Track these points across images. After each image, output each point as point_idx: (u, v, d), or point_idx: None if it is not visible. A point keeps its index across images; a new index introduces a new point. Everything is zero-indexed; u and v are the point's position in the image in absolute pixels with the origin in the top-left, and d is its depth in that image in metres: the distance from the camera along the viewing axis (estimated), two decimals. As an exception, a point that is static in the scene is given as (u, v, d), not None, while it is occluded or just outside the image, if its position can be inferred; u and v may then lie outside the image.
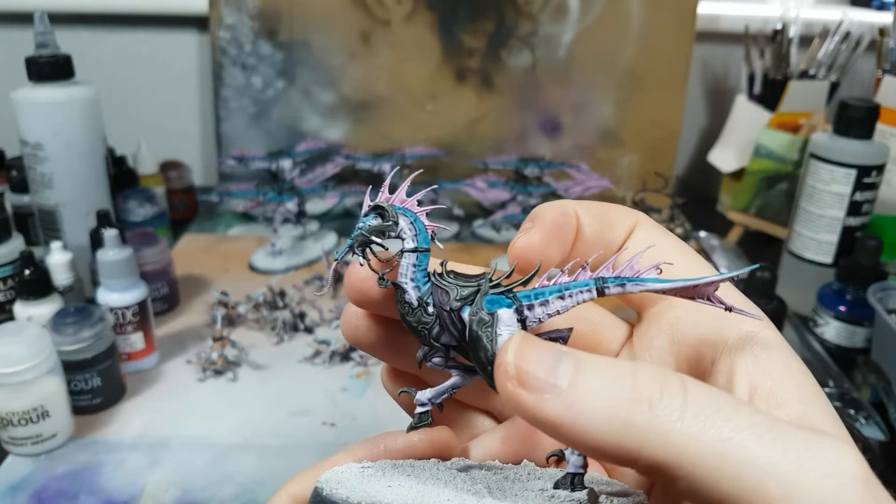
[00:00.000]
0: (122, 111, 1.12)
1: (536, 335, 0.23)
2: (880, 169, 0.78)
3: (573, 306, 0.22)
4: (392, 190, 0.24)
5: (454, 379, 0.25)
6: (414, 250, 0.23)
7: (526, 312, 0.22)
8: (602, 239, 0.25)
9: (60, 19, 1.06)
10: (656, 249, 0.24)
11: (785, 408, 0.20)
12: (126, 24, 1.14)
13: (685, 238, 0.93)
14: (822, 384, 0.68)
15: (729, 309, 0.21)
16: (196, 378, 0.70)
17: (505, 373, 0.19)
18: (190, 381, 0.70)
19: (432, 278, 0.23)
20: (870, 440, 0.60)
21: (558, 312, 0.22)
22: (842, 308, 0.76)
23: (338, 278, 0.86)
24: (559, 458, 0.24)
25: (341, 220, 1.06)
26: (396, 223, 0.23)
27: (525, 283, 0.23)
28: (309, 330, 0.77)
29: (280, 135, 1.11)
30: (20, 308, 0.66)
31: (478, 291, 0.23)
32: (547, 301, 0.22)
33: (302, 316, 0.78)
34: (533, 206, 0.97)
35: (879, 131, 0.82)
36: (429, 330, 0.23)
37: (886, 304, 0.72)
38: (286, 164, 0.99)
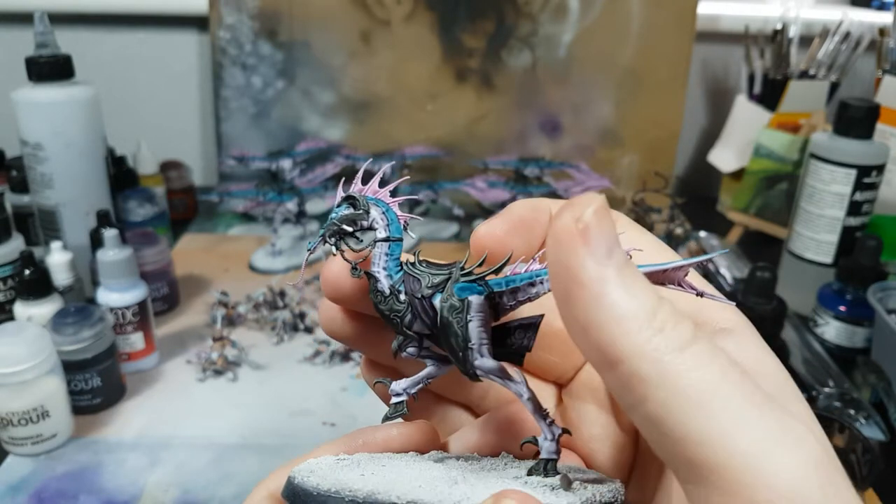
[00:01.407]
0: (122, 111, 1.12)
1: (508, 322, 0.23)
2: (880, 169, 0.78)
3: (544, 293, 0.22)
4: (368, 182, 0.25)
5: (429, 369, 0.25)
6: (386, 239, 0.24)
7: (497, 299, 0.23)
8: None
9: (60, 19, 1.06)
10: (629, 240, 0.24)
11: None
12: (126, 24, 1.14)
13: (685, 238, 0.93)
14: (822, 384, 0.69)
15: (700, 294, 0.21)
16: (196, 378, 0.70)
17: (574, 218, 0.19)
18: (190, 381, 0.70)
19: (404, 267, 0.24)
20: (870, 440, 0.60)
21: (529, 299, 0.23)
22: (842, 308, 0.76)
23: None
24: (533, 446, 0.25)
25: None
26: (367, 212, 0.24)
27: (496, 272, 0.23)
28: (309, 330, 0.77)
29: (280, 135, 1.11)
30: (20, 308, 0.66)
31: (449, 279, 0.23)
32: (518, 288, 0.22)
33: (302, 316, 0.78)
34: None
35: (879, 131, 0.82)
36: (401, 318, 0.23)
37: (886, 304, 0.72)
38: (286, 164, 0.99)
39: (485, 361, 0.22)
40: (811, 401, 0.67)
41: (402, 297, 0.23)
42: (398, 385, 0.25)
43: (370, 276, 0.24)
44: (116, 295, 0.68)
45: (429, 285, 0.23)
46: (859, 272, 0.75)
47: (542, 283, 0.22)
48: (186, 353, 0.74)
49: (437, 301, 0.23)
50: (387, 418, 0.25)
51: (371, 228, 0.24)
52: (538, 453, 0.23)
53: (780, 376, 0.21)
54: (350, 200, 0.24)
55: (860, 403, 0.65)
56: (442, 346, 0.23)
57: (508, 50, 1.10)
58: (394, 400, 0.25)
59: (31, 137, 0.76)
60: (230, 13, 1.06)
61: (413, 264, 0.24)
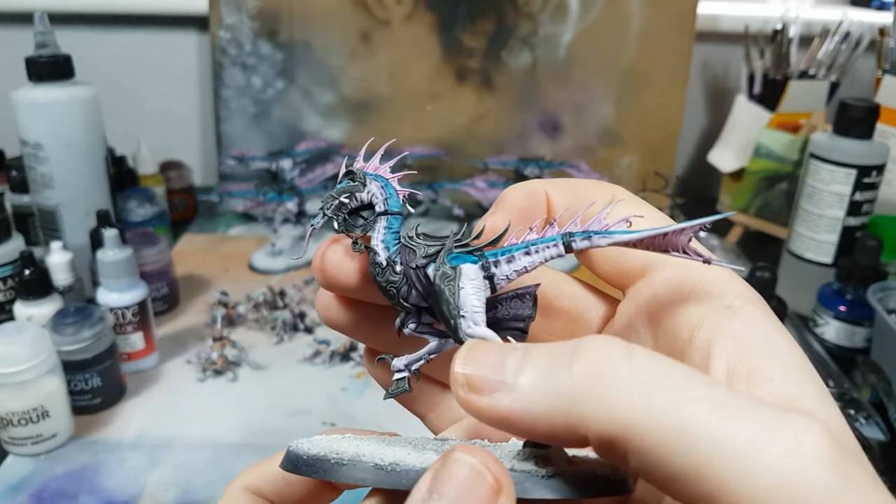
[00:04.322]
0: (122, 111, 1.12)
1: (503, 293, 0.23)
2: (880, 169, 0.78)
3: (541, 262, 0.22)
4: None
5: (430, 344, 0.25)
6: (384, 213, 0.24)
7: (493, 269, 0.22)
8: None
9: (60, 19, 1.06)
10: (629, 209, 0.23)
11: (766, 386, 0.19)
12: (126, 24, 1.14)
13: (685, 238, 0.93)
14: (822, 384, 0.69)
15: (707, 261, 0.21)
16: (196, 378, 0.70)
17: (455, 382, 0.19)
18: (190, 381, 0.70)
19: (402, 240, 0.24)
20: (870, 440, 0.60)
21: (526, 269, 0.22)
22: (842, 308, 0.76)
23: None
24: None
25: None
26: (364, 184, 0.24)
27: (493, 244, 0.23)
28: (309, 330, 0.77)
29: (280, 135, 1.11)
30: (20, 308, 0.66)
31: (443, 249, 0.23)
32: (513, 257, 0.22)
33: (302, 316, 0.78)
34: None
35: (879, 131, 0.82)
36: (397, 289, 0.23)
37: (886, 304, 0.72)
38: (286, 164, 0.99)
39: (477, 329, 0.22)
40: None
41: (398, 267, 0.23)
42: (399, 361, 0.25)
43: (369, 250, 0.24)
44: (116, 295, 0.68)
45: (423, 255, 0.23)
46: (859, 272, 0.75)
47: (537, 251, 0.22)
48: (186, 353, 0.74)
49: (430, 270, 0.23)
50: (389, 395, 0.25)
51: (370, 205, 0.24)
52: None
53: (789, 355, 0.20)
54: (349, 175, 0.24)
55: (860, 403, 0.65)
56: (437, 317, 0.23)
57: (508, 50, 1.10)
58: (396, 377, 0.25)
59: (31, 137, 0.76)
60: (230, 13, 1.06)
61: (411, 237, 0.24)
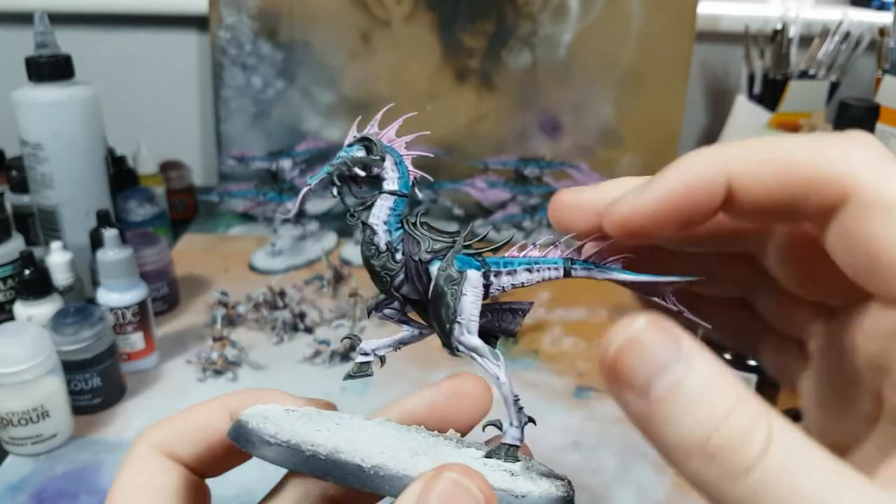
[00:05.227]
0: (122, 111, 1.12)
1: (498, 304, 0.23)
2: (880, 169, 0.78)
3: (538, 281, 0.22)
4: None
5: (403, 334, 0.24)
6: (393, 193, 0.23)
7: (492, 278, 0.22)
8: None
9: (60, 19, 1.06)
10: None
11: None
12: (126, 24, 1.14)
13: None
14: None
15: (680, 312, 0.21)
16: (196, 378, 0.70)
17: (606, 351, 0.17)
18: (190, 381, 0.70)
19: (405, 226, 0.23)
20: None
21: (523, 284, 0.22)
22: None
23: (338, 278, 0.86)
24: (497, 428, 0.24)
25: (341, 220, 1.06)
26: (383, 159, 0.23)
27: (495, 251, 0.22)
28: (309, 330, 0.77)
29: (280, 135, 1.11)
30: (20, 308, 0.66)
31: (450, 248, 0.22)
32: (515, 271, 0.22)
33: (302, 316, 0.78)
34: (533, 207, 0.97)
35: (879, 131, 0.82)
36: (392, 277, 0.23)
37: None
38: (286, 164, 0.99)
39: (470, 338, 0.22)
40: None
41: (399, 256, 0.22)
42: (367, 345, 0.24)
43: (367, 227, 0.23)
44: (116, 295, 0.68)
45: (428, 250, 0.22)
46: (859, 272, 0.75)
47: (538, 270, 0.22)
48: (186, 353, 0.73)
49: (433, 268, 0.22)
50: (349, 377, 0.25)
51: (379, 178, 0.23)
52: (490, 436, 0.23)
53: None
54: (365, 142, 0.23)
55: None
56: (427, 315, 0.23)
57: (508, 50, 1.10)
58: (360, 359, 0.24)
59: (31, 137, 0.76)
60: (230, 13, 1.06)
61: (415, 224, 0.23)
